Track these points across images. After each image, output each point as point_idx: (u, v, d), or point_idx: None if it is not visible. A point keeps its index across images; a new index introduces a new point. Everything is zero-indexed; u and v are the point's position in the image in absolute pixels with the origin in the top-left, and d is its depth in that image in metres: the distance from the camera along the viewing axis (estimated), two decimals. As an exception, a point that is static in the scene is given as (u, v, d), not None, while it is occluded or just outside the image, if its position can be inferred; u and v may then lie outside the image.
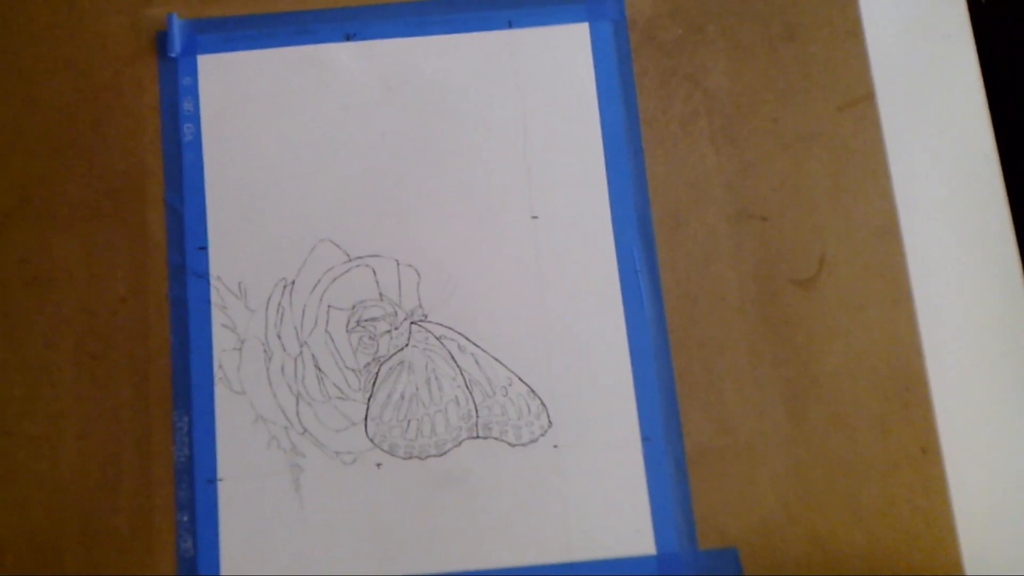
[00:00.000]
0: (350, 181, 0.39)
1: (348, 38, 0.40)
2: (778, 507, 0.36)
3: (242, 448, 0.37)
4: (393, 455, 0.37)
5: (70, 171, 0.39)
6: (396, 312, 0.38)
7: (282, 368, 0.38)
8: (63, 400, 0.37)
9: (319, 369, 0.38)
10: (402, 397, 0.38)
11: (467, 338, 0.38)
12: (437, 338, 0.38)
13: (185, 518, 0.36)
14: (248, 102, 0.40)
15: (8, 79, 0.40)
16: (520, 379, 0.38)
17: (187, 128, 0.39)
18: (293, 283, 0.38)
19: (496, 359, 0.38)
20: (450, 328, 0.38)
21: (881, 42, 0.41)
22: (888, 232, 0.39)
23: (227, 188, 0.39)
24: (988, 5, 0.43)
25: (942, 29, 0.42)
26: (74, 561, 0.36)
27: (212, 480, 0.37)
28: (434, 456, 0.37)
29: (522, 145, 0.39)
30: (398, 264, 0.39)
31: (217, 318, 0.38)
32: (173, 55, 0.40)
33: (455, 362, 0.38)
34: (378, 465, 0.37)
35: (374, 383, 0.38)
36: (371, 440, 0.37)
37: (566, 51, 0.40)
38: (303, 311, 0.38)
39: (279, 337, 0.38)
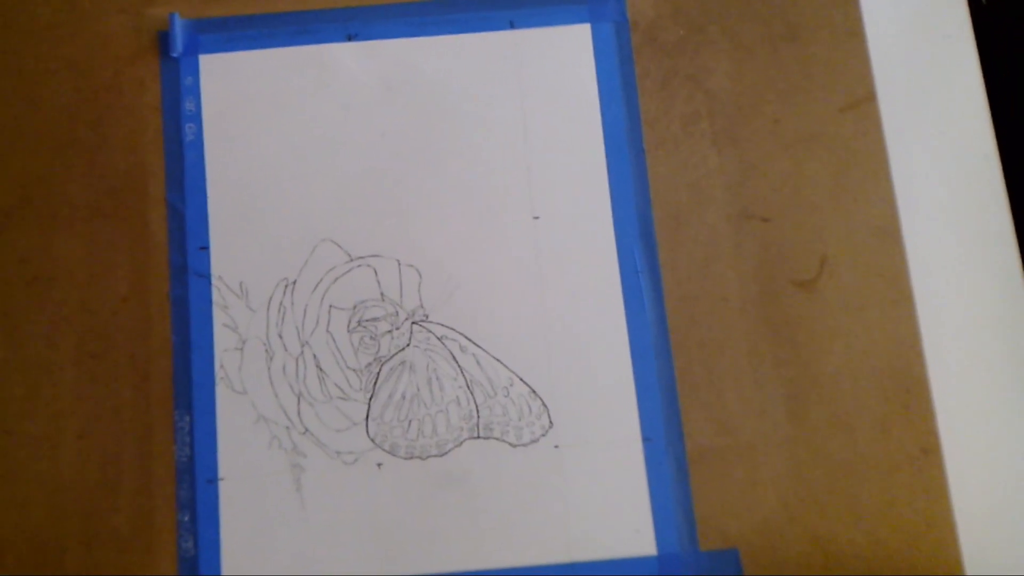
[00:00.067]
0: (352, 181, 0.39)
1: (350, 38, 0.40)
2: (779, 508, 0.37)
3: (243, 448, 0.37)
4: (394, 455, 0.37)
5: (71, 171, 0.39)
6: (397, 312, 0.38)
7: (283, 368, 0.38)
8: (64, 400, 0.37)
9: (320, 369, 0.38)
10: (403, 397, 0.38)
11: (468, 338, 0.38)
12: (438, 338, 0.38)
13: (186, 518, 0.36)
14: (250, 102, 0.40)
15: (9, 78, 0.40)
16: (521, 379, 0.38)
17: (189, 128, 0.39)
18: (294, 283, 0.38)
19: (497, 359, 0.38)
20: (451, 328, 0.38)
21: (882, 43, 0.41)
22: (889, 233, 0.39)
23: (229, 188, 0.39)
24: (989, 5, 0.43)
25: (943, 29, 0.42)
26: (75, 561, 0.36)
27: (213, 480, 0.37)
28: (435, 456, 0.37)
29: (523, 145, 0.40)
30: (399, 264, 0.39)
31: (218, 318, 0.38)
32: (175, 55, 0.40)
33: (456, 362, 0.38)
34: (379, 465, 0.37)
35: (375, 383, 0.38)
36: (372, 440, 0.37)
37: (568, 52, 0.40)
38: (304, 311, 0.38)
39: (280, 337, 0.38)
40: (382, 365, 0.38)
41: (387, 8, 0.41)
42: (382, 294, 0.38)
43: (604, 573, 0.36)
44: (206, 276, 0.38)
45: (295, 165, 0.39)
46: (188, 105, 0.40)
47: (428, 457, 0.37)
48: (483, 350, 0.38)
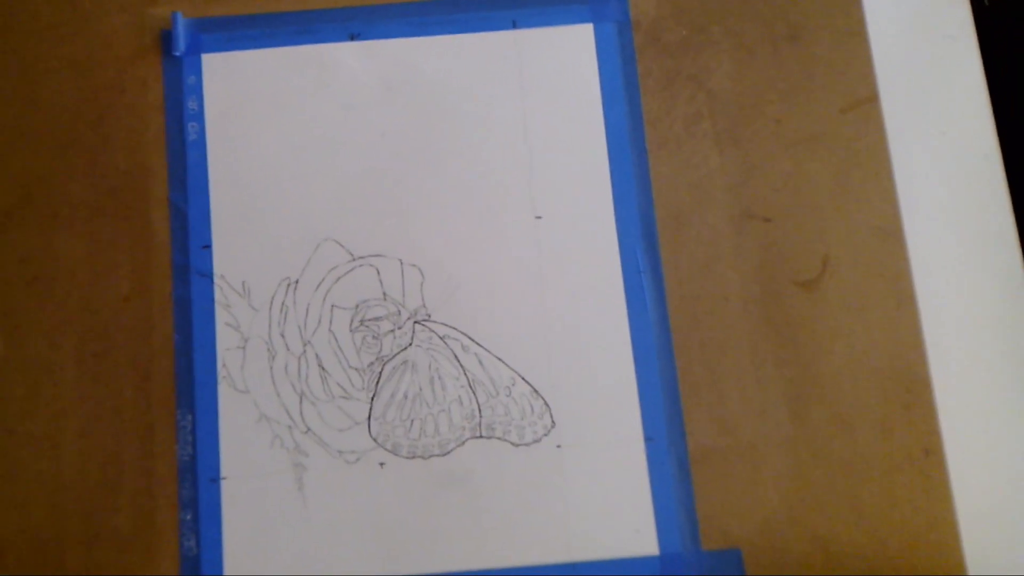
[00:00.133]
0: (354, 181, 0.39)
1: (352, 38, 0.40)
2: (781, 508, 0.37)
3: (245, 447, 0.37)
4: (396, 455, 0.37)
5: (73, 170, 0.39)
6: (400, 312, 0.38)
7: (285, 367, 0.38)
8: (65, 399, 0.37)
9: (323, 368, 0.38)
10: (405, 397, 0.38)
11: (470, 338, 0.38)
12: (441, 338, 0.38)
13: (188, 517, 0.36)
14: (252, 101, 0.40)
15: (11, 77, 0.40)
16: (523, 379, 0.38)
17: (191, 127, 0.39)
18: (297, 282, 0.38)
19: (499, 359, 0.38)
20: (454, 328, 0.38)
21: (883, 43, 0.41)
22: (891, 233, 0.39)
23: (231, 187, 0.39)
24: (991, 6, 0.43)
25: (945, 30, 0.42)
26: (76, 560, 0.36)
27: (215, 479, 0.37)
28: (437, 456, 0.37)
29: (526, 145, 0.40)
30: (402, 264, 0.39)
31: (221, 317, 0.38)
32: (177, 54, 0.40)
33: (458, 362, 0.38)
34: (381, 465, 0.37)
35: (377, 382, 0.38)
36: (374, 439, 0.37)
37: (570, 52, 0.40)
38: (307, 310, 0.38)
39: (283, 336, 0.38)
40: (384, 364, 0.38)
41: (389, 8, 0.41)
42: (384, 293, 0.38)
43: (606, 573, 0.36)
44: (208, 275, 0.38)
45: (298, 164, 0.39)
46: (190, 104, 0.40)
47: (430, 456, 0.37)
48: (485, 350, 0.38)
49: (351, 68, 0.40)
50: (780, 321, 0.38)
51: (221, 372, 0.38)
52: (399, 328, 0.38)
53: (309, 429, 0.37)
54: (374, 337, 0.38)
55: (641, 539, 0.36)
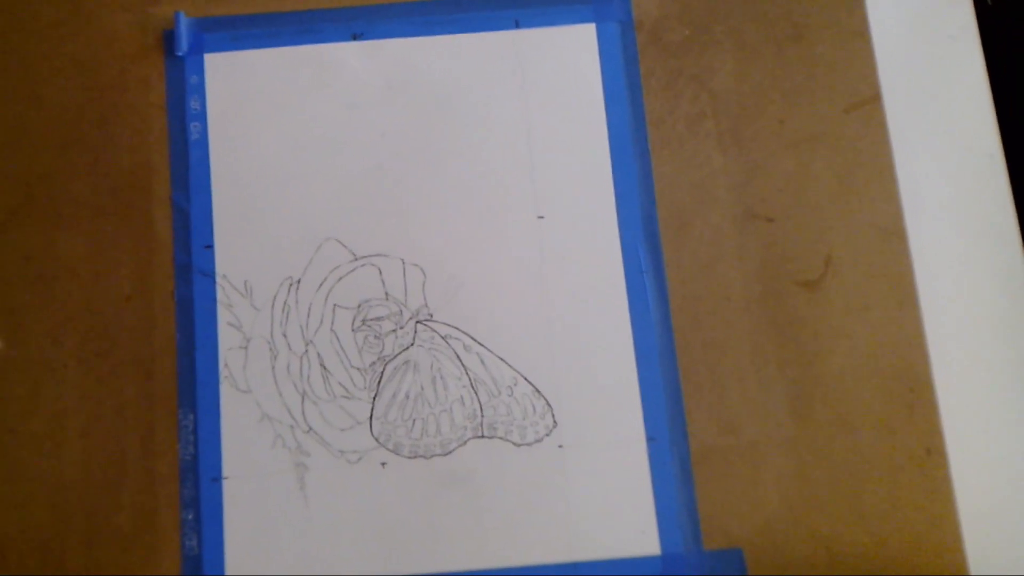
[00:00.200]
0: (356, 180, 0.39)
1: (355, 37, 0.40)
2: (783, 508, 0.37)
3: (247, 446, 0.37)
4: (398, 454, 0.37)
5: (75, 169, 0.39)
6: (402, 311, 0.38)
7: (287, 367, 0.38)
8: (67, 398, 0.37)
9: (324, 368, 0.38)
10: (407, 396, 0.38)
11: (472, 338, 0.38)
12: (443, 337, 0.38)
13: (190, 516, 0.36)
14: (255, 101, 0.40)
15: (13, 76, 0.40)
16: (525, 379, 0.38)
17: (193, 126, 0.39)
18: (299, 282, 0.38)
19: (501, 359, 0.38)
20: (456, 328, 0.38)
21: (887, 43, 0.41)
22: (894, 233, 0.39)
23: (233, 186, 0.39)
24: (994, 6, 0.43)
25: (948, 30, 0.42)
26: (77, 560, 0.36)
27: (217, 478, 0.37)
28: (439, 455, 0.37)
29: (528, 145, 0.40)
30: (404, 263, 0.39)
31: (223, 316, 0.38)
32: (180, 53, 0.40)
33: (460, 362, 0.38)
34: (383, 464, 0.37)
35: (379, 382, 0.38)
36: (376, 439, 0.37)
37: (572, 52, 0.40)
38: (309, 310, 0.38)
39: (285, 336, 0.38)
40: (386, 364, 0.38)
41: (392, 7, 0.41)
42: (386, 293, 0.38)
43: (608, 573, 0.36)
44: (210, 275, 0.38)
45: (300, 164, 0.39)
46: (193, 104, 0.40)
47: (432, 456, 0.37)
48: (487, 349, 0.38)
49: (353, 68, 0.40)
50: (782, 321, 0.38)
51: (223, 372, 0.38)
52: (401, 328, 0.38)
53: (311, 429, 0.37)
54: (376, 337, 0.38)
55: (643, 539, 0.36)
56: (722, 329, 0.38)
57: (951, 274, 0.40)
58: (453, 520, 0.37)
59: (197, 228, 0.39)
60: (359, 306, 0.38)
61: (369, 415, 0.37)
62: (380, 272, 0.39)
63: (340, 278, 0.38)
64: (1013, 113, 0.41)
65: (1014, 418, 0.38)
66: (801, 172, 0.39)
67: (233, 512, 0.37)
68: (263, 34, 0.40)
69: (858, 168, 0.39)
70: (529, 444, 0.37)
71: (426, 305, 0.38)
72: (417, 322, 0.38)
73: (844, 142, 0.39)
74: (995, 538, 0.37)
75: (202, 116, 0.40)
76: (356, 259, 0.39)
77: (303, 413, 0.37)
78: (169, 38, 0.40)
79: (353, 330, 0.38)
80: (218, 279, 0.38)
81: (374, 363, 0.38)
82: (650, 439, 0.37)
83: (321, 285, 0.38)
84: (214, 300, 0.38)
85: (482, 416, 0.38)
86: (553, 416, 0.38)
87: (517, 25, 0.40)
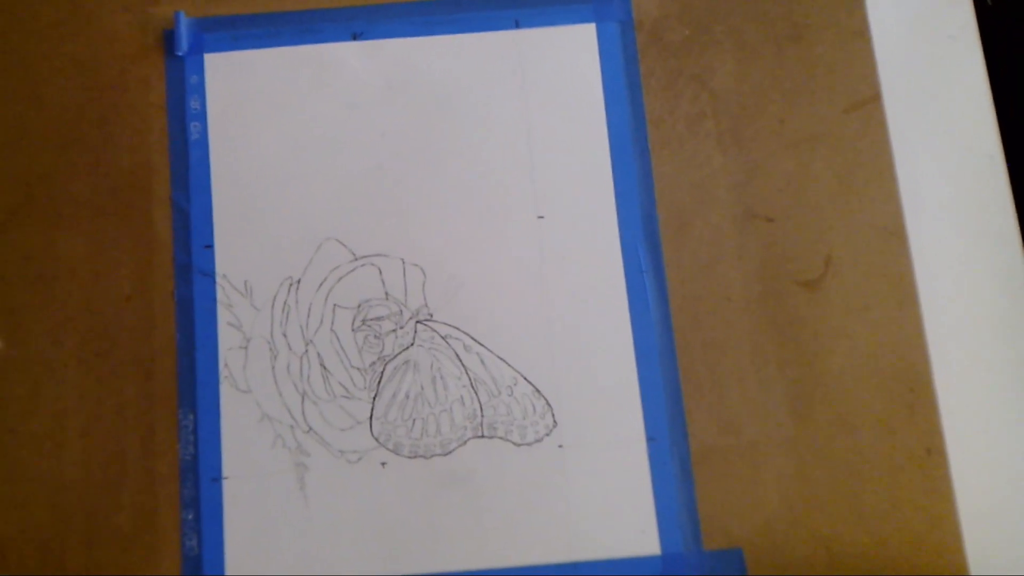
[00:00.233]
0: (356, 180, 0.39)
1: (355, 37, 0.40)
2: (783, 508, 0.37)
3: (247, 446, 0.37)
4: (398, 454, 0.37)
5: (75, 169, 0.39)
6: (402, 311, 0.38)
7: (288, 367, 0.38)
8: (67, 398, 0.37)
9: (324, 368, 0.38)
10: (407, 396, 0.38)
11: (472, 338, 0.38)
12: (443, 337, 0.38)
13: (190, 517, 0.36)
14: (255, 101, 0.40)
15: (13, 76, 0.40)
16: (525, 379, 0.38)
17: (193, 126, 0.39)
18: (299, 282, 0.38)
19: (501, 359, 0.38)
20: (456, 328, 0.38)
21: (887, 43, 0.41)
22: (894, 233, 0.39)
23: (233, 186, 0.39)
24: (993, 6, 0.43)
25: (948, 30, 0.42)
26: (77, 560, 0.36)
27: (217, 478, 0.37)
28: (439, 455, 0.37)
29: (528, 145, 0.40)
30: (404, 263, 0.39)
31: (223, 316, 0.38)
32: (180, 53, 0.40)
33: (460, 361, 0.38)
34: (383, 464, 0.37)
35: (379, 382, 0.38)
36: (376, 439, 0.37)
37: (572, 51, 0.40)
38: (309, 310, 0.38)
39: (285, 336, 0.38)
40: (386, 364, 0.38)
41: (392, 7, 0.41)
42: (386, 293, 0.38)
43: (608, 573, 0.36)
44: (210, 275, 0.38)
45: (300, 164, 0.39)
46: (193, 103, 0.40)
47: (432, 456, 0.37)
48: (487, 349, 0.38)
49: (353, 68, 0.40)
50: (782, 321, 0.38)
51: (223, 372, 0.38)
52: (401, 328, 0.38)
53: (311, 429, 0.37)
54: (376, 337, 0.38)
55: (643, 539, 0.36)
56: (722, 329, 0.38)
57: (951, 274, 0.40)
58: (453, 520, 0.37)
59: (197, 228, 0.39)
60: (359, 306, 0.38)
61: (369, 415, 0.37)
62: (380, 272, 0.39)
63: (340, 278, 0.38)
64: (1013, 113, 0.41)
65: (1014, 418, 0.38)
66: (801, 172, 0.39)
67: (233, 512, 0.37)
68: (263, 34, 0.40)
69: (858, 168, 0.39)
70: (529, 444, 0.37)
71: (426, 305, 0.38)
72: (417, 322, 0.38)
73: (844, 142, 0.39)
74: (995, 538, 0.37)
75: (202, 116, 0.40)
76: (356, 259, 0.39)
77: (303, 413, 0.37)
78: (169, 38, 0.40)
79: (353, 330, 0.38)
80: (218, 279, 0.38)
81: (374, 363, 0.38)
82: (650, 439, 0.37)
83: (321, 285, 0.38)
84: (214, 300, 0.38)
85: (482, 416, 0.38)
86: (553, 416, 0.38)
87: (517, 25, 0.41)
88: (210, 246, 0.39)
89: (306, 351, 0.38)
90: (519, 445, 0.37)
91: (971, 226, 0.40)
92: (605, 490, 0.37)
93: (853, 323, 0.38)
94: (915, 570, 0.36)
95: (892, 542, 0.36)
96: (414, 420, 0.38)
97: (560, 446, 0.37)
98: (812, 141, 0.39)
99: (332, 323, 0.38)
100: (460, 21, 0.41)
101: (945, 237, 0.40)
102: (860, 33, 0.40)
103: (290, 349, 0.38)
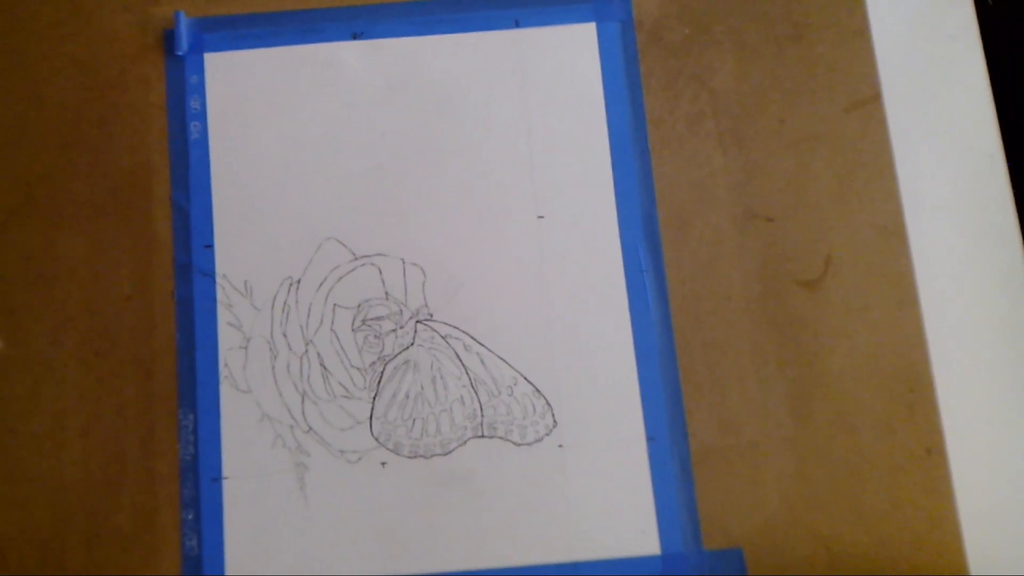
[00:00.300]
0: (356, 180, 0.39)
1: (355, 36, 0.40)
2: (783, 507, 0.37)
3: (247, 446, 0.37)
4: (398, 454, 0.37)
5: (75, 169, 0.39)
6: (402, 311, 0.38)
7: (287, 367, 0.38)
8: (67, 398, 0.37)
9: (324, 368, 0.38)
10: (407, 396, 0.38)
11: (472, 337, 0.38)
12: (443, 337, 0.38)
13: (190, 517, 0.36)
14: (255, 100, 0.40)
15: (13, 76, 0.40)
16: (525, 379, 0.38)
17: (193, 126, 0.39)
18: (299, 282, 0.38)
19: (501, 358, 0.38)
20: (456, 327, 0.38)
21: (887, 43, 0.41)
22: (894, 233, 0.39)
23: (233, 186, 0.39)
24: (994, 6, 0.43)
25: (948, 30, 0.42)
26: (77, 560, 0.36)
27: (217, 478, 0.37)
28: (439, 455, 0.37)
29: (528, 144, 0.40)
30: (404, 263, 0.39)
31: (223, 316, 0.38)
32: (180, 53, 0.40)
33: (460, 361, 0.38)
34: (383, 464, 0.37)
35: (379, 382, 0.38)
36: (376, 439, 0.37)
37: (573, 51, 0.40)
38: (309, 309, 0.38)
39: (285, 336, 0.38)
40: (386, 364, 0.38)
41: (392, 7, 0.41)
42: (386, 293, 0.38)
43: (608, 573, 0.36)
44: (210, 274, 0.38)
45: (300, 164, 0.39)
46: (193, 103, 0.40)
47: (432, 456, 0.37)
48: (487, 349, 0.38)
49: (353, 67, 0.40)
50: (782, 321, 0.38)
51: (223, 372, 0.38)
52: (401, 327, 0.38)
53: (311, 429, 0.37)
54: (376, 336, 0.38)
55: (643, 539, 0.36)
56: (722, 329, 0.38)
57: (951, 273, 0.40)
58: (453, 520, 0.37)
59: (197, 228, 0.39)
60: (359, 306, 0.38)
61: (369, 415, 0.37)
62: (380, 272, 0.38)
63: (340, 278, 0.38)
64: (1013, 113, 0.41)
65: (1014, 418, 0.38)
66: (801, 172, 0.39)
67: (233, 512, 0.37)
68: (263, 34, 0.40)
69: (858, 168, 0.39)
70: (529, 444, 0.37)
71: (426, 305, 0.38)
72: (417, 322, 0.38)
73: (844, 142, 0.39)
74: (995, 538, 0.37)
75: (202, 116, 0.40)
76: (356, 259, 0.39)
77: (303, 413, 0.37)
78: (169, 38, 0.40)
79: (353, 330, 0.38)
80: (218, 279, 0.38)
81: (374, 363, 0.38)
82: (650, 439, 0.37)
83: (321, 285, 0.38)
84: (214, 300, 0.38)
85: (482, 416, 0.38)
86: (553, 416, 0.38)
87: (517, 25, 0.40)
88: (210, 246, 0.38)
89: (306, 351, 0.38)
90: (519, 445, 0.37)
91: (971, 226, 0.40)
92: (605, 490, 0.37)
93: (853, 323, 0.38)
94: (915, 570, 0.36)
95: (892, 542, 0.36)
96: (414, 420, 0.38)
97: (560, 446, 0.37)
98: (812, 141, 0.39)
99: (332, 323, 0.38)
100: (460, 21, 0.41)
101: (945, 237, 0.40)
102: (860, 33, 0.40)
103: (290, 349, 0.38)
